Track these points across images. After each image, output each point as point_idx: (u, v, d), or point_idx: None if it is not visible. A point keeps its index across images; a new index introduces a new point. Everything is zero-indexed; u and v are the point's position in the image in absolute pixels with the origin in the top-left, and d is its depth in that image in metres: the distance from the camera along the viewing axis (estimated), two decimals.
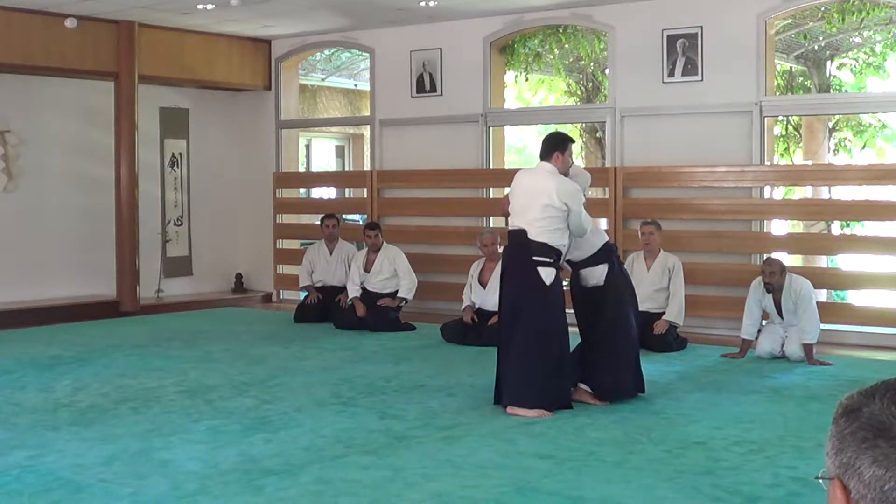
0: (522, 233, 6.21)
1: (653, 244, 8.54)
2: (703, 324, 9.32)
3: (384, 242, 9.94)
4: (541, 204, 6.16)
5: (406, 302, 9.79)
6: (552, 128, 16.96)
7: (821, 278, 9.91)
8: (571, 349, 6.38)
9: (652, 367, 7.54)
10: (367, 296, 9.73)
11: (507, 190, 11.48)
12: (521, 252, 6.21)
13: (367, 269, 9.84)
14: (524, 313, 6.15)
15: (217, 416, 5.92)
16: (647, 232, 8.55)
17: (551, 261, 6.16)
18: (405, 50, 11.17)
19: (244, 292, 12.46)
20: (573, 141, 6.60)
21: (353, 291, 9.76)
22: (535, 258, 6.14)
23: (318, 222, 10.79)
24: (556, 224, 6.15)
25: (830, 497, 1.24)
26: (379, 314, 9.55)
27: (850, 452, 1.22)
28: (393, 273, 9.79)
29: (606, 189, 10.08)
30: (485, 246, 8.98)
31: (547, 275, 6.13)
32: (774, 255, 8.46)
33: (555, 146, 6.34)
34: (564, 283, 6.58)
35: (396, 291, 9.75)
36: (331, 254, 10.42)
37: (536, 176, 6.32)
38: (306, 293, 10.56)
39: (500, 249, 7.60)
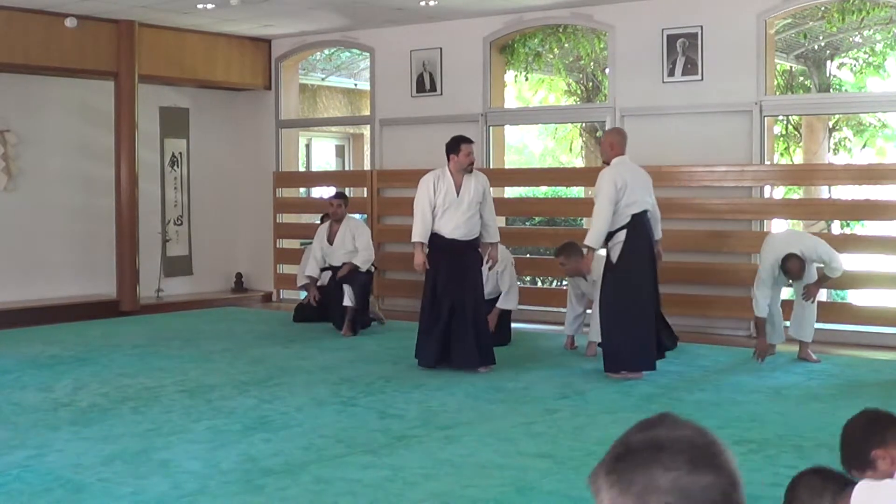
0: None
1: (571, 271, 8.15)
2: (703, 323, 9.32)
3: (347, 214, 9.63)
4: None
5: (359, 269, 9.32)
6: (552, 127, 17.08)
7: None
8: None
9: None
10: (334, 275, 9.40)
11: (507, 190, 11.49)
12: None
13: (329, 241, 9.54)
14: None
15: (217, 416, 5.92)
16: (560, 263, 8.16)
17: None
18: (405, 50, 11.17)
19: (244, 292, 12.46)
20: (468, 141, 7.54)
21: (310, 270, 9.47)
22: None
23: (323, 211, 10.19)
24: None
25: None
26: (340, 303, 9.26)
27: None
28: (356, 247, 9.42)
29: None
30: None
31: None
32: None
33: (447, 149, 7.52)
34: None
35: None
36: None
37: None
38: (305, 292, 10.50)
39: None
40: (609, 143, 7.32)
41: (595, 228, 7.08)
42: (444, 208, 7.40)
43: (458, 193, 7.41)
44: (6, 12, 9.93)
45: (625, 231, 7.06)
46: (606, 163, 7.30)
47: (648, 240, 7.21)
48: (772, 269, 7.55)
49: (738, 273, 9.02)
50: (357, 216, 10.54)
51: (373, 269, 9.65)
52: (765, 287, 7.57)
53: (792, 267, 7.47)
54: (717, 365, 7.67)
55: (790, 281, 7.70)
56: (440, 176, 7.47)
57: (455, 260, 7.41)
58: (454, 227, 7.41)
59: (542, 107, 15.25)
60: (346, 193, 10.28)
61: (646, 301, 7.10)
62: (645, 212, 7.18)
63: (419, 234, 7.43)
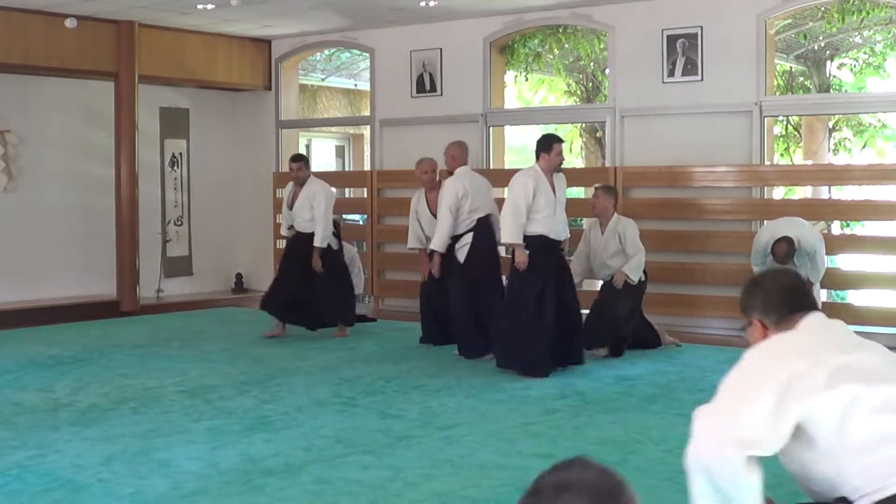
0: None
1: (599, 209, 8.20)
2: (702, 324, 9.32)
3: (311, 177, 9.04)
4: None
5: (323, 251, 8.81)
6: (552, 128, 17.05)
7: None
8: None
9: (652, 366, 7.56)
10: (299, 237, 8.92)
11: (505, 190, 11.48)
12: None
13: (290, 207, 9.05)
14: None
15: (217, 416, 5.92)
16: (594, 196, 8.32)
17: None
18: (405, 50, 11.17)
19: (244, 292, 12.46)
20: (559, 140, 7.44)
21: (283, 230, 9.26)
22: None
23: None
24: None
25: None
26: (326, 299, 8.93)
27: None
28: (314, 215, 8.86)
29: None
30: (424, 174, 8.48)
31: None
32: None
33: (538, 147, 7.37)
34: None
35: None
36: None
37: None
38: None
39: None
40: (451, 156, 8.07)
41: (439, 234, 7.92)
42: (549, 210, 7.21)
43: (554, 194, 7.28)
44: (6, 12, 9.94)
45: (471, 234, 7.88)
46: (450, 173, 8.02)
47: (493, 241, 7.97)
48: (765, 247, 7.66)
49: (738, 273, 8.99)
50: (357, 217, 10.30)
51: (340, 223, 9.28)
52: (755, 265, 7.88)
53: (778, 250, 7.56)
54: (716, 365, 7.66)
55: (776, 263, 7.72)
56: (537, 179, 7.21)
57: (558, 262, 7.35)
58: (562, 227, 7.36)
59: (542, 107, 15.25)
60: (305, 155, 9.94)
61: (491, 298, 7.68)
62: (488, 215, 7.94)
63: (515, 234, 7.18)
